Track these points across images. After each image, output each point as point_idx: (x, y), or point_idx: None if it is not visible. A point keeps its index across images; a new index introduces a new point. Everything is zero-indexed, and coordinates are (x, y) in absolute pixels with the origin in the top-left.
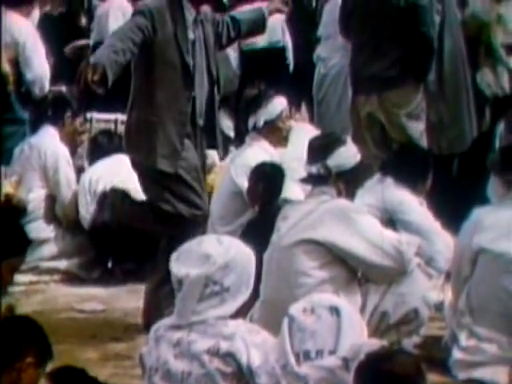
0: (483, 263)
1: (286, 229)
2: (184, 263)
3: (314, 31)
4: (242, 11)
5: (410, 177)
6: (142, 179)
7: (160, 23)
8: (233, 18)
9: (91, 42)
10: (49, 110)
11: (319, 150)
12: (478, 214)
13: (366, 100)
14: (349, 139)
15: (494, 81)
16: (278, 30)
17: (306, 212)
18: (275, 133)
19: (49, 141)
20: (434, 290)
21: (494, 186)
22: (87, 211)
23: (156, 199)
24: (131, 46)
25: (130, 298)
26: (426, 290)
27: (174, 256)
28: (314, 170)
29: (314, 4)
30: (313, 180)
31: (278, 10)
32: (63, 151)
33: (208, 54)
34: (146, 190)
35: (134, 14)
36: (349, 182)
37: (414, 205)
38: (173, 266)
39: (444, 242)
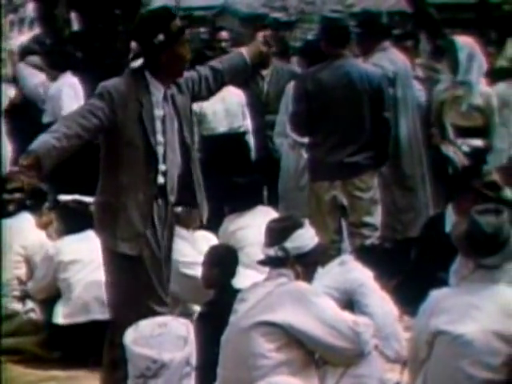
0: (440, 345)
1: (244, 311)
2: (161, 347)
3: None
4: (223, 58)
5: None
6: (107, 261)
7: (121, 104)
8: (213, 69)
9: (44, 121)
10: (27, 201)
11: (277, 232)
12: (436, 296)
13: (329, 185)
14: (306, 222)
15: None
16: (239, 115)
17: (264, 294)
18: None
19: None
20: (391, 372)
21: (459, 266)
22: None
23: (117, 283)
24: (79, 130)
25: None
26: (383, 372)
27: (130, 340)
28: (272, 252)
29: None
30: (271, 262)
31: (261, 52)
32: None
33: (182, 126)
34: (107, 272)
35: (92, 96)
36: (307, 264)
37: (373, 288)
38: (141, 351)
39: (396, 330)
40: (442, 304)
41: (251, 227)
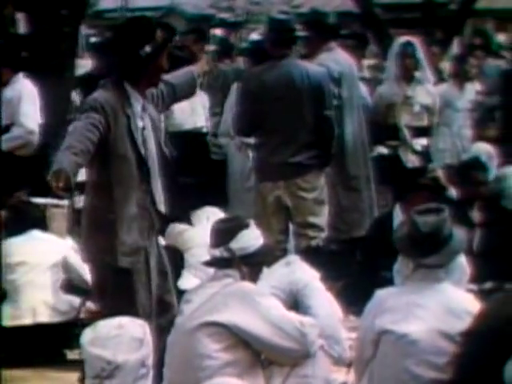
0: (385, 345)
1: (190, 312)
2: (116, 349)
3: None
4: (175, 75)
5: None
6: (99, 274)
7: (113, 118)
8: (167, 83)
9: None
10: None
11: (223, 233)
12: (380, 295)
13: (273, 186)
14: (252, 222)
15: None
16: (202, 115)
17: (210, 295)
18: None
19: None
20: (337, 373)
21: (401, 266)
22: None
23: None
24: (89, 145)
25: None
26: (329, 372)
27: (87, 341)
28: (217, 253)
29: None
30: (216, 263)
31: (205, 72)
32: None
33: (158, 136)
34: (99, 286)
35: (86, 110)
36: (252, 265)
37: (318, 289)
38: (96, 352)
39: (338, 333)
40: (386, 303)
41: (198, 228)
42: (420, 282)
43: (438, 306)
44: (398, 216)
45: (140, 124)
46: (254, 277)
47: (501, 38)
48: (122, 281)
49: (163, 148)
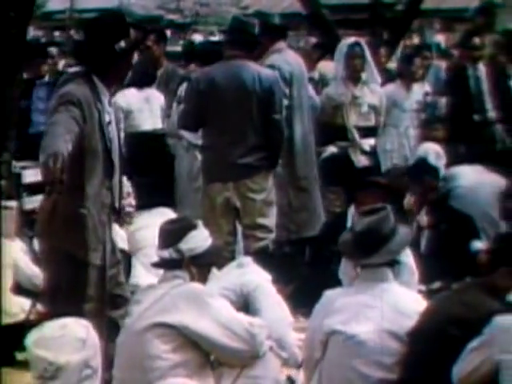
0: (334, 345)
1: (139, 313)
2: (59, 349)
3: None
4: None
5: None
6: (62, 271)
7: (88, 112)
8: None
9: None
10: None
11: (171, 234)
12: (329, 296)
13: (222, 187)
14: (200, 223)
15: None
16: (159, 117)
17: (159, 296)
18: None
19: None
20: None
21: (345, 268)
22: None
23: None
24: (73, 137)
25: None
26: (279, 373)
27: (32, 342)
28: (166, 254)
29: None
30: (165, 264)
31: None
32: None
33: (119, 133)
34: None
35: (64, 103)
36: (201, 265)
37: (269, 292)
38: (39, 353)
39: (286, 336)
40: (335, 304)
41: (150, 228)
42: (366, 281)
43: (386, 306)
44: (352, 215)
45: (107, 119)
46: (202, 278)
47: (441, 38)
48: (85, 276)
49: (121, 145)
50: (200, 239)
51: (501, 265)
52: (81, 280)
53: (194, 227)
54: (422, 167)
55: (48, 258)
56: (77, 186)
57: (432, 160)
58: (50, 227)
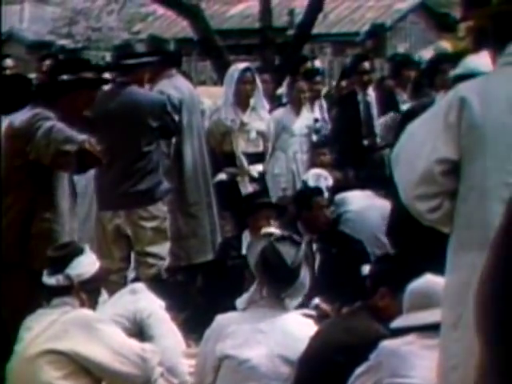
0: (226, 370)
1: (30, 339)
2: None
3: None
4: None
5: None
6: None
7: None
8: None
9: None
10: None
11: (58, 260)
12: (221, 320)
13: (113, 215)
14: (87, 248)
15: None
16: None
17: (50, 322)
18: None
19: None
20: None
21: (253, 291)
22: None
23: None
24: None
25: None
26: None
27: None
28: (53, 281)
29: None
30: (54, 291)
31: None
32: None
33: None
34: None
35: (46, 117)
36: (90, 291)
37: (162, 319)
38: None
39: (178, 365)
40: (228, 329)
41: None
42: (265, 308)
43: (278, 332)
44: (247, 239)
45: None
46: (92, 303)
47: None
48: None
49: None
50: (87, 264)
51: (380, 285)
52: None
53: (81, 252)
54: (309, 192)
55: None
56: (50, 203)
57: (318, 184)
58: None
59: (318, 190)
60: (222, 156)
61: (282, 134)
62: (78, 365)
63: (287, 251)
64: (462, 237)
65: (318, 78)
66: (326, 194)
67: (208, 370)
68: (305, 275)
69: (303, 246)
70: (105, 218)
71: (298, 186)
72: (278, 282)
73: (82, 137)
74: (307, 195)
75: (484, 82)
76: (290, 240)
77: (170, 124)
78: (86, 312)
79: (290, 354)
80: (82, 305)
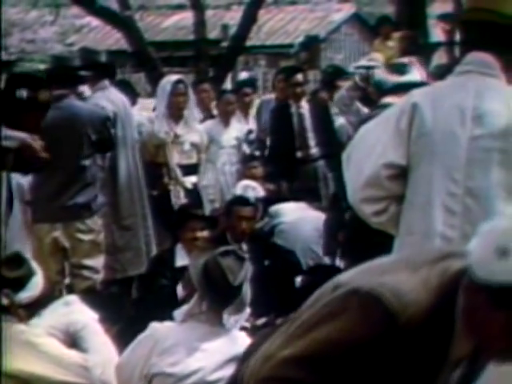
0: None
1: None
2: None
3: None
4: None
5: None
6: None
7: None
8: None
9: None
10: None
11: (13, 282)
12: (157, 330)
13: (50, 228)
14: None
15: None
16: None
17: None
18: None
19: None
20: None
21: (192, 303)
22: None
23: None
24: None
25: None
26: None
27: None
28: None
29: None
30: None
31: None
32: None
33: None
34: None
35: None
36: (29, 307)
37: (96, 331)
38: None
39: (110, 377)
40: (165, 342)
41: None
42: (206, 325)
43: (218, 350)
44: (180, 252)
45: None
46: (28, 318)
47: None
48: None
49: None
50: (39, 283)
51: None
52: None
53: (34, 272)
54: (232, 201)
55: None
56: None
57: (249, 196)
58: None
59: (241, 200)
60: (157, 168)
61: (210, 146)
62: (20, 380)
63: (231, 267)
64: (404, 242)
65: (248, 90)
66: (255, 206)
67: (135, 382)
68: (246, 291)
69: (247, 261)
70: (42, 231)
71: (227, 197)
72: (219, 298)
73: (24, 134)
74: (229, 205)
75: (437, 90)
76: (234, 255)
77: (108, 137)
78: (21, 328)
79: (230, 369)
80: (21, 321)
